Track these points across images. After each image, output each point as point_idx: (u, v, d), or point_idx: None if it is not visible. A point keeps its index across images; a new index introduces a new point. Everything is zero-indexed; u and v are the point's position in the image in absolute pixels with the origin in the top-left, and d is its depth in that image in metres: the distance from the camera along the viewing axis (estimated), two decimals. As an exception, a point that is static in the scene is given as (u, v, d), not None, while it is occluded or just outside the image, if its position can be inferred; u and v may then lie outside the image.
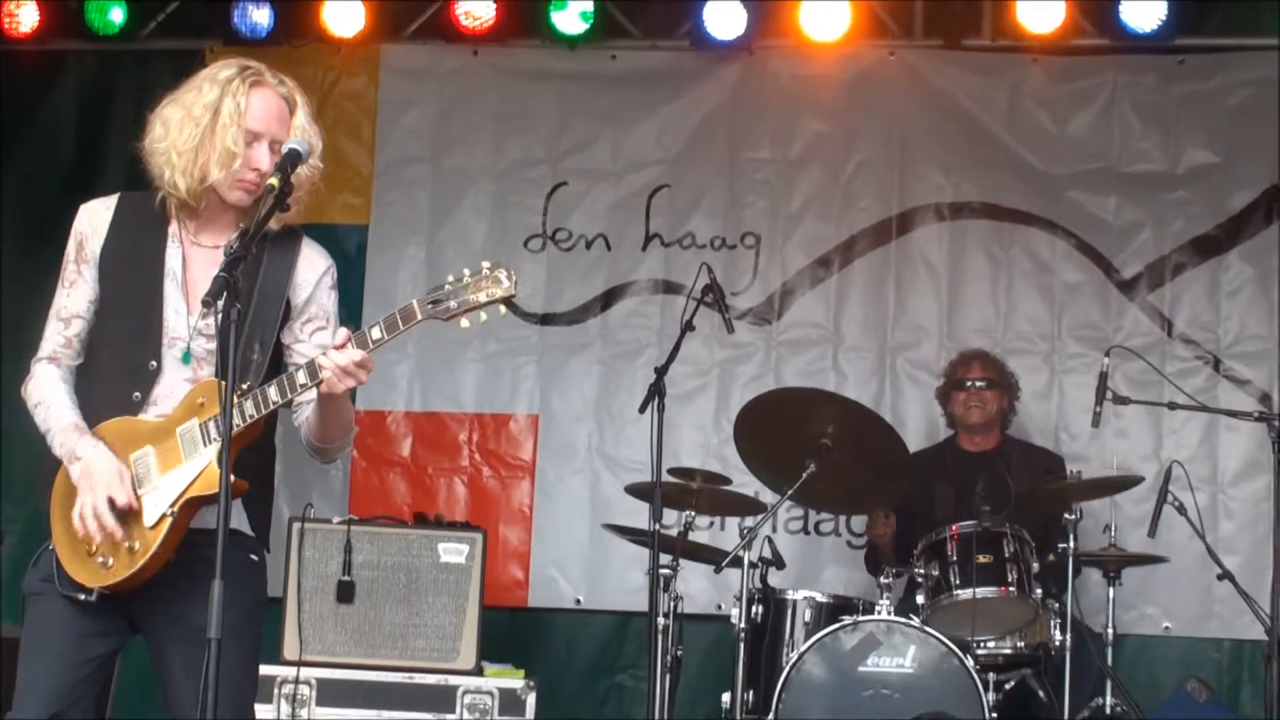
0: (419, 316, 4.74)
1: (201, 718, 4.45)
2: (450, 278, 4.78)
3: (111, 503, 4.72)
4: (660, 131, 9.55)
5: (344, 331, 4.73)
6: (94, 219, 4.98)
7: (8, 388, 8.55)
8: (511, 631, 8.88)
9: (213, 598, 4.42)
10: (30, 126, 9.73)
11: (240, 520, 4.93)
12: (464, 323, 4.77)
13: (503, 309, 4.83)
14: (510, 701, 7.99)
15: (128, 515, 4.81)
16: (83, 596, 4.83)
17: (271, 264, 4.95)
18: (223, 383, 4.65)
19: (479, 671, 8.10)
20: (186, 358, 4.82)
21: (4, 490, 8.94)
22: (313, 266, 5.01)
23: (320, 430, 4.95)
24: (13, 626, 7.48)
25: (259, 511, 5.04)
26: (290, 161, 4.73)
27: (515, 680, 8.07)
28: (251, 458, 4.92)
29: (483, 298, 4.77)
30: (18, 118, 9.68)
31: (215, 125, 4.79)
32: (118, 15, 9.21)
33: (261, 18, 9.14)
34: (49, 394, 4.93)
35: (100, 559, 4.83)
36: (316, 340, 4.93)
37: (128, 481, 4.78)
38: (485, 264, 4.80)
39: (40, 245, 9.46)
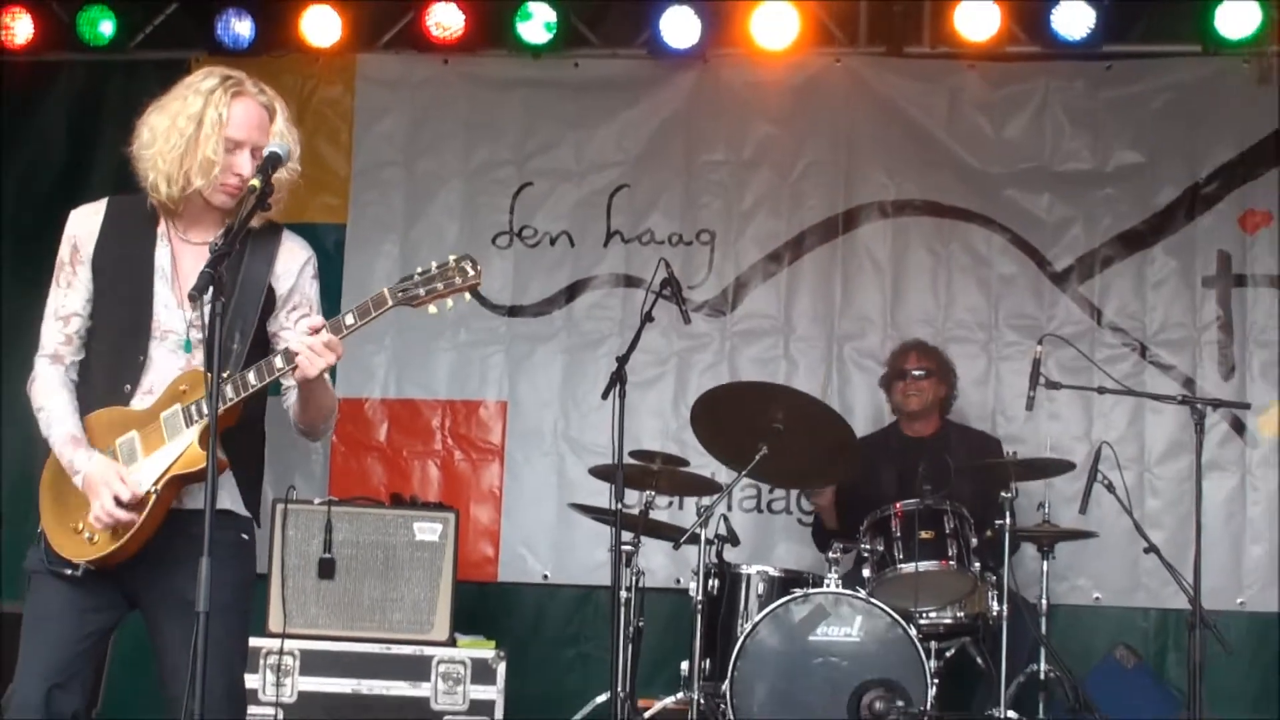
0: (390, 303, 4.81)
1: (191, 688, 4.44)
2: (419, 269, 4.85)
3: (118, 500, 4.73)
4: (620, 135, 9.55)
5: (317, 319, 4.82)
6: (85, 223, 5.01)
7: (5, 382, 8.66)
8: (482, 605, 8.87)
9: (201, 574, 4.43)
10: (24, 132, 9.70)
11: (235, 501, 4.98)
12: (432, 309, 4.86)
13: (467, 297, 4.90)
14: (482, 671, 8.00)
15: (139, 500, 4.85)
16: (69, 571, 4.86)
17: (253, 258, 4.99)
18: (208, 374, 4.63)
19: (452, 643, 8.11)
20: (188, 346, 4.85)
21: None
22: (293, 257, 5.05)
23: (303, 413, 4.99)
24: (12, 603, 7.49)
25: (251, 492, 5.07)
26: (271, 164, 4.78)
27: (486, 651, 8.08)
28: (242, 440, 4.97)
29: (449, 286, 4.86)
30: (13, 124, 9.63)
31: (198, 135, 4.83)
32: (107, 27, 9.20)
33: (243, 29, 9.11)
34: (50, 401, 4.96)
35: (86, 534, 4.85)
36: (301, 327, 4.92)
37: (124, 476, 4.79)
38: (452, 256, 4.87)
39: (35, 246, 9.34)
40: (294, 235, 5.10)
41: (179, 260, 4.95)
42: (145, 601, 4.94)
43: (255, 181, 4.70)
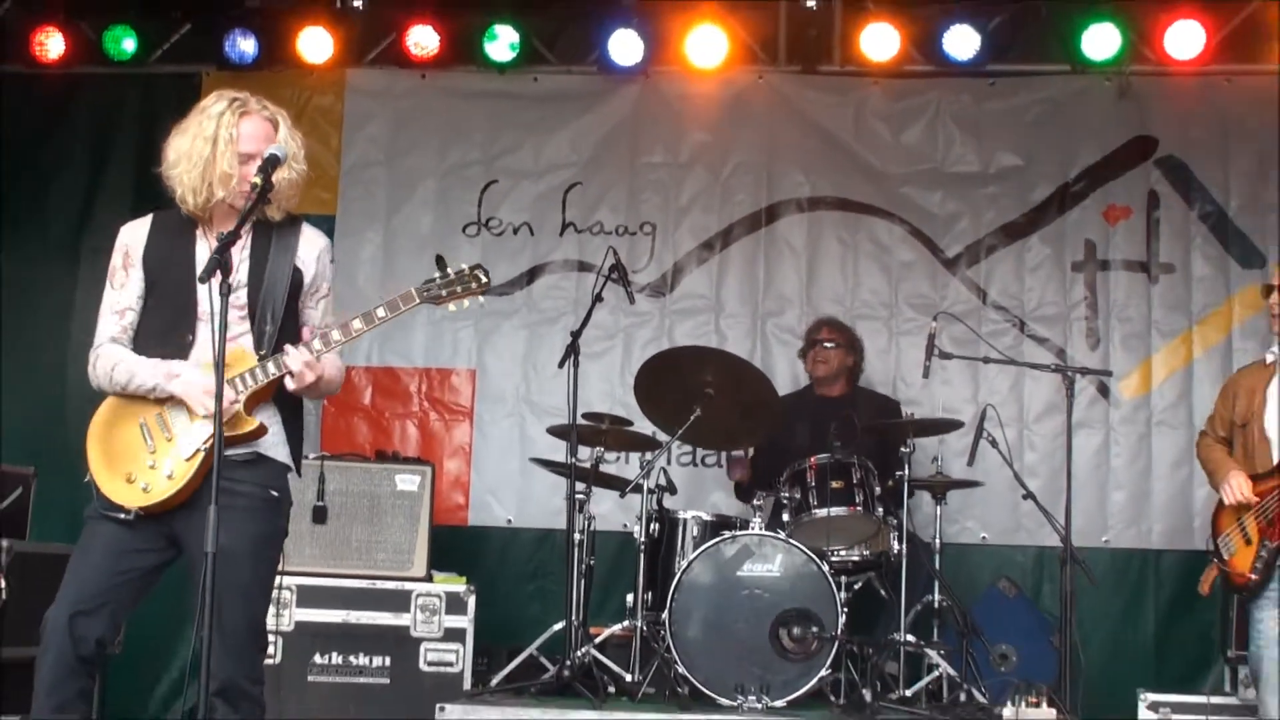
0: (416, 300, 5.08)
1: (201, 617, 4.61)
2: (438, 274, 5.12)
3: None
4: (573, 140, 9.56)
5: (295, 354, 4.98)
6: (135, 233, 5.17)
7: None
8: (455, 546, 8.81)
9: (210, 520, 4.54)
10: (56, 135, 9.67)
11: (279, 450, 5.12)
12: (451, 307, 5.17)
13: (481, 299, 5.18)
14: (454, 602, 8.00)
15: (168, 440, 5.01)
16: (122, 515, 4.94)
17: (278, 248, 5.13)
18: (251, 351, 4.98)
19: (429, 578, 8.12)
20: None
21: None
22: (313, 245, 5.21)
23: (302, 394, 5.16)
24: (45, 543, 7.56)
25: (294, 442, 5.18)
26: (270, 164, 4.91)
27: (458, 585, 8.08)
28: (287, 402, 5.12)
29: (465, 290, 5.13)
30: (47, 128, 9.64)
31: (215, 153, 4.99)
32: (129, 44, 9.21)
33: (248, 47, 9.11)
34: (126, 356, 5.07)
35: (141, 484, 4.93)
36: (321, 309, 5.21)
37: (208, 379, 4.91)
38: (467, 265, 5.17)
39: (64, 233, 9.56)
40: (311, 226, 5.25)
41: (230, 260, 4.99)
42: (186, 546, 4.99)
43: (257, 179, 4.85)
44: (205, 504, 4.62)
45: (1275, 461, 6.18)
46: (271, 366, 4.99)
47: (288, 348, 5.00)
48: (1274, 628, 6.15)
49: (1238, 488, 6.23)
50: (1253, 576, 6.19)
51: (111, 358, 5.07)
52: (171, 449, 4.99)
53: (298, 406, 5.24)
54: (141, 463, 4.98)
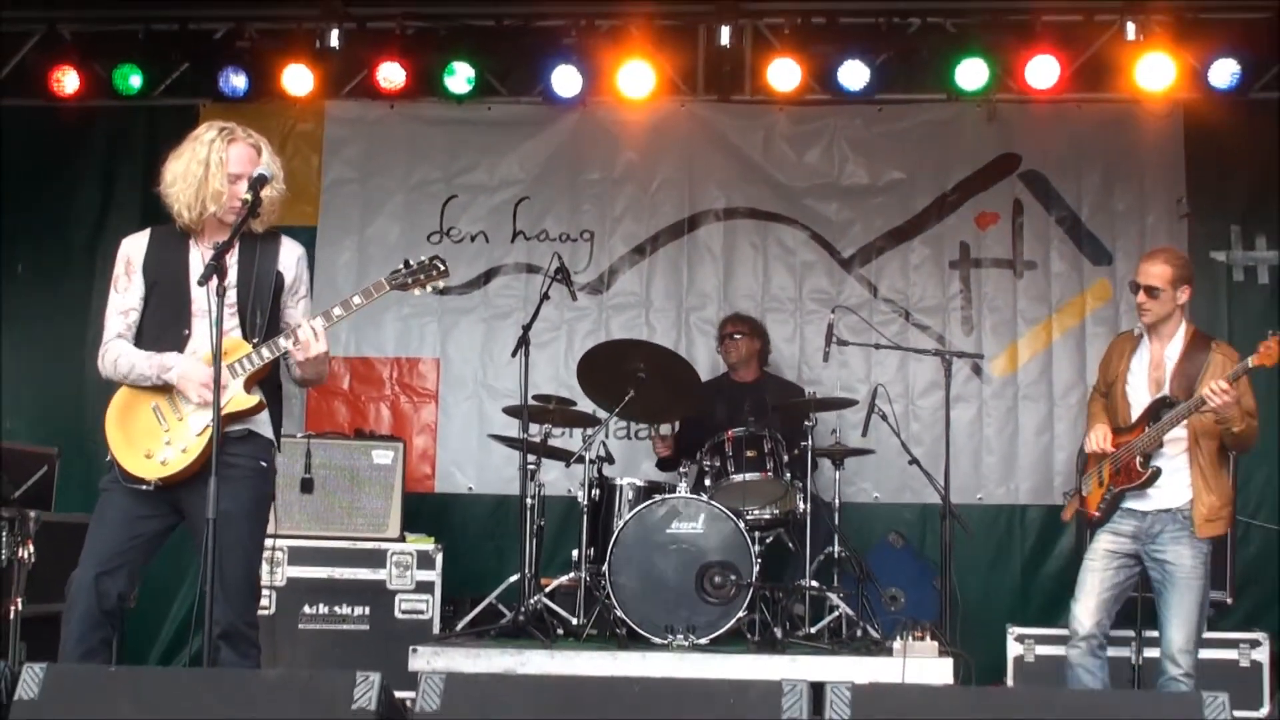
0: (386, 288, 5.22)
1: (205, 574, 4.68)
2: (403, 265, 5.30)
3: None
4: (522, 160, 9.52)
5: (318, 322, 5.13)
6: (136, 245, 5.26)
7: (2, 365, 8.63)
8: (424, 510, 8.81)
9: (210, 489, 4.64)
10: (72, 160, 9.60)
11: (266, 428, 5.20)
12: (416, 293, 5.30)
13: (441, 284, 5.32)
14: (424, 559, 8.05)
15: (179, 420, 5.07)
16: (144, 487, 5.02)
17: (263, 256, 5.24)
18: (244, 340, 5.07)
19: (402, 539, 8.14)
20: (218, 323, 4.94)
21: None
22: (292, 253, 5.33)
23: (303, 374, 5.26)
24: (68, 513, 7.52)
25: (276, 422, 5.27)
26: (259, 182, 5.05)
27: (427, 544, 8.12)
28: (269, 386, 5.21)
29: (428, 278, 5.28)
30: (64, 154, 9.57)
31: (207, 175, 5.10)
32: (136, 81, 9.11)
33: (239, 82, 9.03)
34: (127, 350, 5.15)
35: (160, 459, 4.99)
36: (301, 308, 5.29)
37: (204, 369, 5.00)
38: (426, 257, 5.33)
39: (80, 243, 9.51)
40: (289, 238, 5.34)
41: (205, 260, 5.07)
42: (189, 512, 5.04)
43: (248, 195, 4.98)
44: (206, 475, 4.69)
45: (1134, 420, 6.26)
46: (266, 351, 5.11)
47: (301, 323, 5.12)
48: (1102, 545, 6.24)
49: (1096, 439, 6.32)
50: (1096, 513, 6.29)
51: (115, 352, 5.17)
52: (183, 428, 5.08)
53: (278, 392, 5.33)
54: (158, 440, 5.06)
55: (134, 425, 5.11)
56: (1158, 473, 6.15)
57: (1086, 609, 6.21)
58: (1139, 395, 6.31)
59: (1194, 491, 6.15)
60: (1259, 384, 6.43)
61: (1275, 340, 5.90)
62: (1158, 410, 6.16)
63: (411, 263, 5.29)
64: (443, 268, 5.30)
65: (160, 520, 5.13)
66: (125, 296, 5.21)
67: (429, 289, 5.31)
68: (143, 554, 5.14)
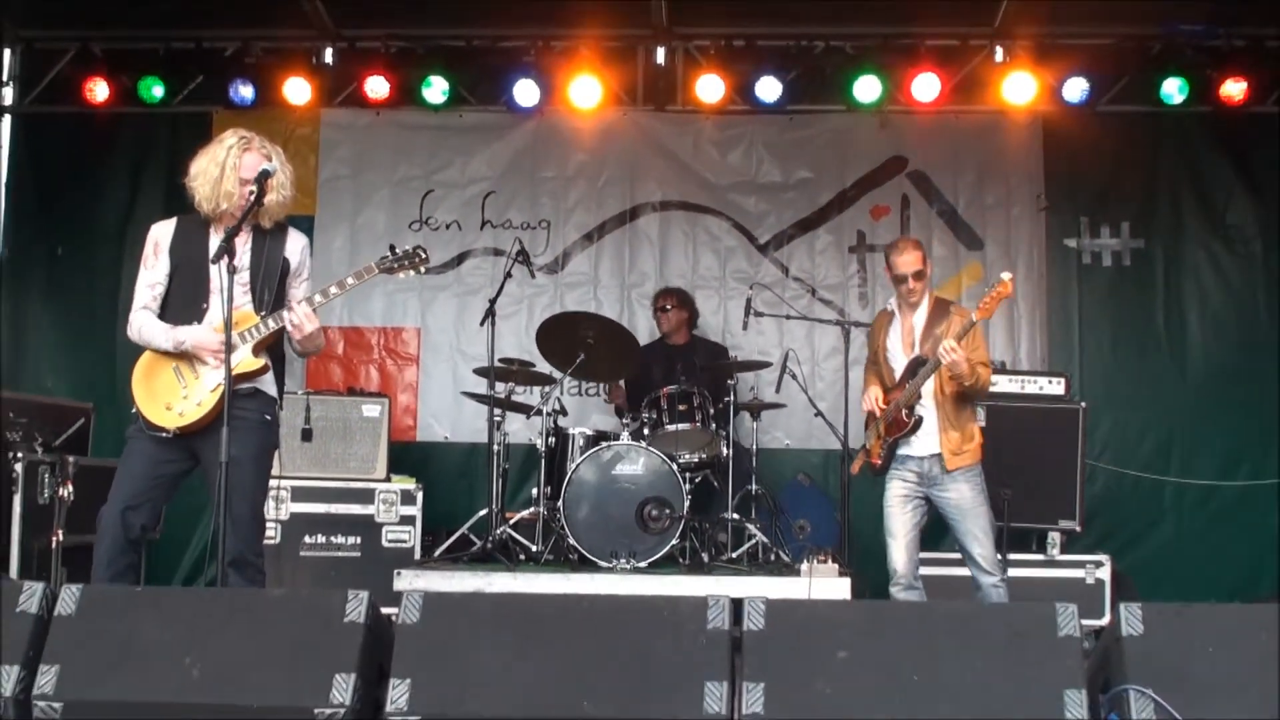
0: (376, 271, 5.23)
1: (218, 512, 4.70)
2: (390, 252, 5.31)
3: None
4: (490, 159, 9.46)
5: (315, 299, 5.13)
6: (164, 230, 5.23)
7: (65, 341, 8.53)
8: (406, 455, 8.77)
9: (223, 438, 4.69)
10: (103, 160, 9.50)
11: (271, 387, 5.19)
12: (401, 276, 5.32)
13: (422, 270, 5.34)
14: (407, 497, 8.01)
15: (196, 379, 5.07)
16: (165, 435, 5.02)
17: (272, 245, 5.22)
18: (254, 314, 5.05)
19: (388, 480, 8.10)
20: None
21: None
22: (297, 242, 5.32)
23: (302, 349, 5.27)
24: (103, 459, 7.45)
25: (279, 382, 5.26)
26: (264, 176, 5.05)
27: (410, 484, 8.08)
28: (274, 353, 5.21)
29: (411, 263, 5.30)
30: (95, 156, 9.47)
31: (222, 176, 5.09)
32: (158, 91, 9.00)
33: (247, 93, 8.94)
34: (149, 320, 5.14)
35: (177, 411, 4.98)
36: (303, 289, 5.25)
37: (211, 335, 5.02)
38: (411, 245, 5.39)
39: (112, 229, 9.39)
40: (295, 229, 5.30)
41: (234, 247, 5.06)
42: (204, 458, 5.03)
43: (254, 187, 4.93)
44: (219, 425, 4.68)
45: (897, 380, 6.31)
46: (271, 322, 5.10)
47: (292, 305, 5.10)
48: (895, 491, 6.28)
49: (868, 400, 6.38)
50: (878, 462, 6.33)
51: (140, 321, 5.16)
52: (199, 385, 5.07)
53: (281, 358, 5.32)
54: (177, 395, 5.04)
55: (157, 383, 5.11)
56: (920, 420, 6.21)
57: (899, 552, 6.23)
58: (898, 359, 6.37)
59: (940, 433, 6.21)
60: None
61: (987, 299, 5.98)
62: (914, 368, 6.23)
63: (398, 250, 5.30)
64: (424, 255, 5.35)
65: (179, 464, 5.13)
66: (152, 273, 5.20)
67: (411, 274, 5.32)
68: (164, 493, 5.15)
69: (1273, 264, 9.01)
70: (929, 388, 6.22)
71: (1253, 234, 9.08)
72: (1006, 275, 6.05)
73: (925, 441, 6.23)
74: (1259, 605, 4.79)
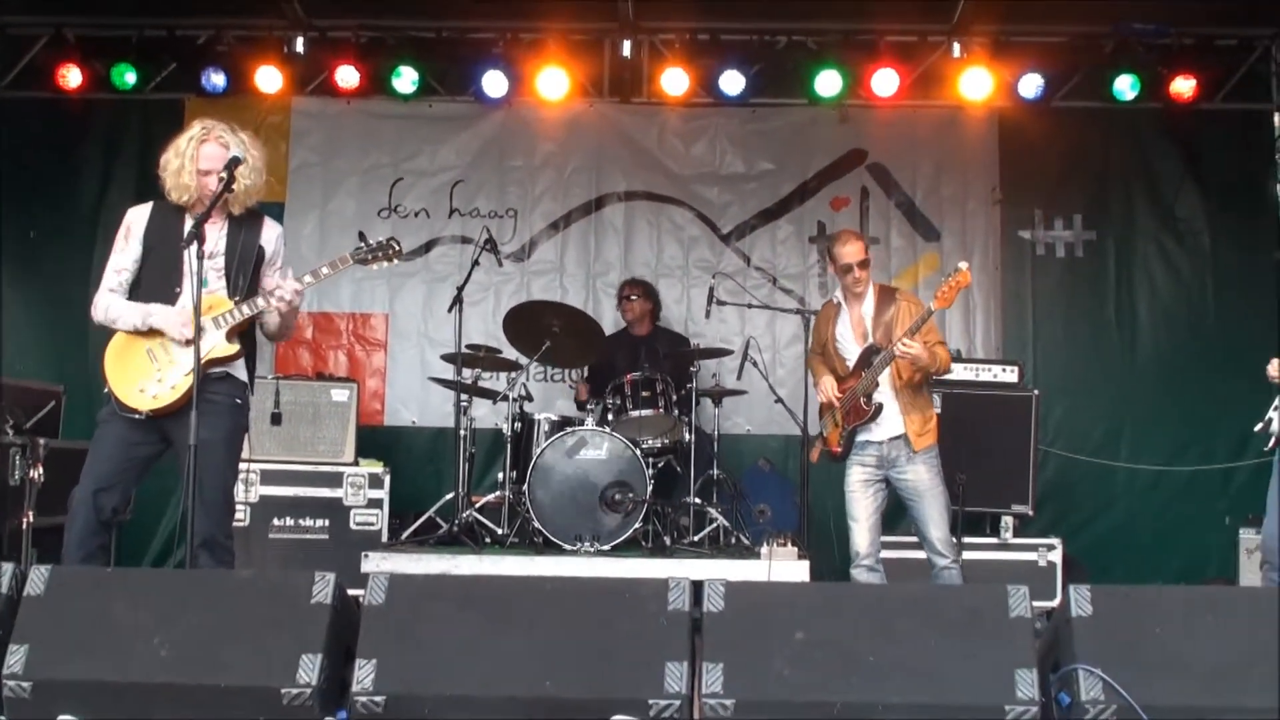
0: (351, 262, 5.25)
1: (188, 491, 4.66)
2: (363, 243, 5.33)
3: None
4: (458, 149, 9.40)
5: (297, 282, 5.12)
6: (139, 214, 5.20)
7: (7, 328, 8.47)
8: (374, 439, 8.72)
9: (192, 421, 4.66)
10: (75, 146, 9.37)
11: (242, 372, 5.16)
12: (374, 267, 5.35)
13: (396, 262, 5.38)
14: (375, 480, 7.99)
15: (170, 362, 5.01)
16: (137, 416, 4.99)
17: (248, 232, 5.21)
18: (227, 299, 5.02)
19: (356, 463, 8.07)
20: (205, 283, 4.95)
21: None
22: (272, 231, 5.32)
23: (276, 331, 5.27)
24: (73, 440, 7.39)
25: (250, 367, 5.22)
26: (233, 163, 5.02)
27: (378, 468, 8.05)
28: (246, 339, 5.18)
29: (385, 255, 5.32)
30: (68, 142, 9.35)
31: (181, 167, 5.09)
32: (131, 78, 8.90)
33: (219, 80, 8.84)
34: (114, 300, 5.12)
35: (150, 393, 4.94)
36: (277, 278, 5.23)
37: (181, 317, 4.98)
38: (384, 237, 5.39)
39: (85, 213, 9.29)
40: (270, 218, 5.30)
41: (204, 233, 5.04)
42: (176, 440, 4.99)
43: (224, 174, 4.92)
44: (190, 408, 4.66)
45: (850, 369, 6.34)
46: (245, 308, 5.07)
47: (280, 281, 5.12)
48: (856, 476, 6.30)
49: (825, 389, 6.40)
50: (838, 450, 6.36)
51: (105, 301, 5.13)
52: (173, 368, 5.04)
53: (253, 344, 5.30)
54: (151, 377, 5.01)
55: (130, 364, 5.07)
56: (880, 407, 6.24)
57: (862, 534, 6.26)
58: (849, 349, 6.40)
59: (903, 416, 6.24)
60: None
61: (944, 288, 5.99)
62: (868, 357, 6.26)
63: (372, 242, 5.29)
64: (398, 247, 5.38)
65: (150, 447, 5.10)
66: (121, 257, 5.17)
67: (384, 265, 5.32)
68: (134, 475, 5.12)
69: (1220, 255, 9.10)
70: (885, 375, 6.24)
71: (1201, 226, 9.16)
72: (964, 265, 6.06)
73: (886, 426, 6.26)
74: (1205, 587, 4.85)
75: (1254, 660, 3.96)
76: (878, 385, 6.23)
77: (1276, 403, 5.29)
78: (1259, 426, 5.32)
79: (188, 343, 4.92)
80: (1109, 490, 8.92)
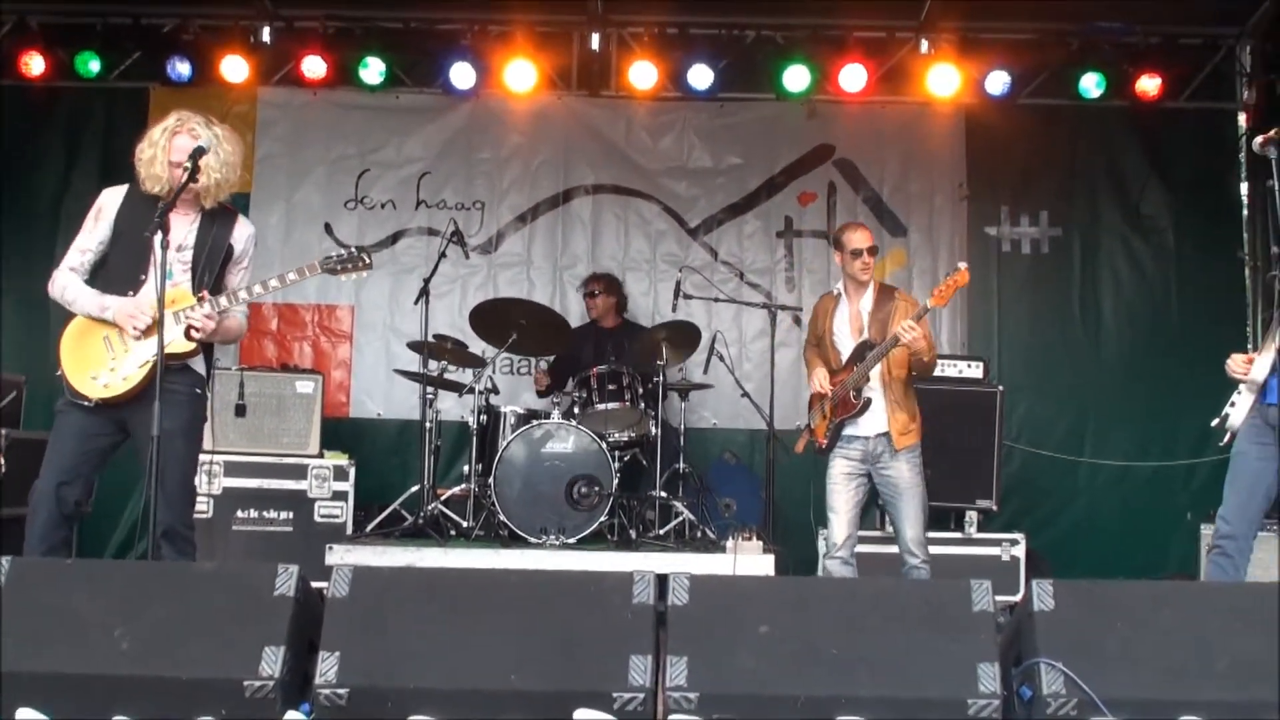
0: (320, 270, 5.20)
1: (149, 482, 4.62)
2: (334, 253, 5.28)
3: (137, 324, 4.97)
4: (425, 141, 9.36)
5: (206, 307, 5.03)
6: (112, 197, 5.18)
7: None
8: (340, 432, 8.68)
9: (155, 412, 4.62)
10: (38, 135, 9.27)
11: (201, 365, 5.13)
12: (342, 278, 5.25)
13: (365, 274, 5.31)
14: (340, 472, 7.94)
15: (125, 351, 4.98)
16: (86, 404, 4.96)
17: (219, 228, 5.19)
18: (190, 294, 4.96)
19: (321, 455, 8.01)
20: (170, 274, 4.93)
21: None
22: (244, 230, 5.31)
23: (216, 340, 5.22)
24: (33, 431, 7.33)
25: (208, 360, 5.20)
26: (197, 154, 4.98)
27: (342, 460, 8.00)
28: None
29: (355, 267, 5.25)
30: (31, 129, 9.25)
31: (153, 158, 5.06)
32: (95, 65, 8.85)
33: (184, 69, 8.79)
34: (74, 282, 5.08)
35: (101, 382, 4.91)
36: (241, 277, 5.22)
37: (140, 307, 4.96)
38: (355, 247, 5.32)
39: (48, 200, 9.19)
40: (243, 216, 5.29)
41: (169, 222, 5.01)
42: (134, 430, 4.97)
43: (188, 164, 4.87)
44: (152, 399, 4.64)
45: (843, 362, 6.37)
46: (207, 307, 5.02)
47: (194, 307, 5.03)
48: (839, 469, 6.34)
49: (818, 381, 6.43)
50: (823, 442, 6.39)
51: (64, 281, 5.10)
52: (128, 358, 5.01)
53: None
54: (104, 365, 4.98)
55: (86, 351, 5.05)
56: (869, 402, 6.28)
57: (840, 526, 6.30)
58: (844, 342, 6.43)
59: (889, 413, 6.27)
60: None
61: (942, 287, 6.05)
62: (862, 352, 6.30)
63: (343, 252, 5.26)
64: (368, 260, 5.30)
65: (109, 438, 5.08)
66: (87, 237, 5.15)
67: (353, 277, 5.30)
68: (94, 467, 5.10)
69: (1184, 253, 9.17)
70: (876, 370, 6.27)
71: (1165, 224, 9.23)
72: (963, 265, 6.11)
73: (872, 422, 6.29)
74: (1165, 582, 4.89)
75: (1214, 654, 4.00)
76: (868, 380, 6.27)
77: (1234, 398, 5.34)
78: (1216, 421, 5.37)
79: (140, 337, 4.91)
80: (1072, 486, 8.98)
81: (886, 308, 6.34)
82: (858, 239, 6.41)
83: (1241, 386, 5.32)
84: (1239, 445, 5.32)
